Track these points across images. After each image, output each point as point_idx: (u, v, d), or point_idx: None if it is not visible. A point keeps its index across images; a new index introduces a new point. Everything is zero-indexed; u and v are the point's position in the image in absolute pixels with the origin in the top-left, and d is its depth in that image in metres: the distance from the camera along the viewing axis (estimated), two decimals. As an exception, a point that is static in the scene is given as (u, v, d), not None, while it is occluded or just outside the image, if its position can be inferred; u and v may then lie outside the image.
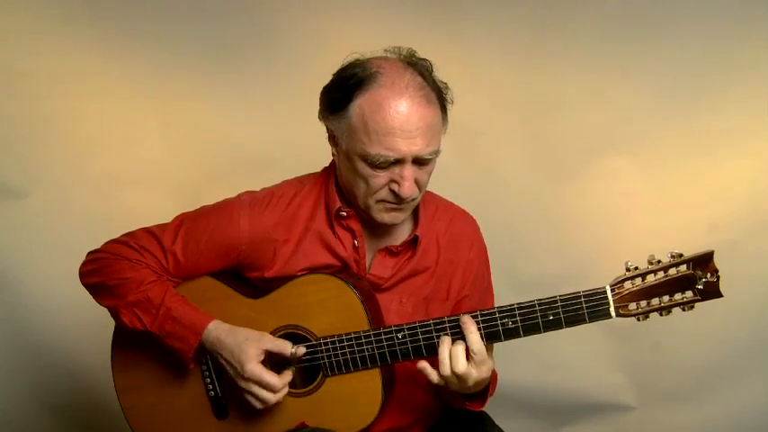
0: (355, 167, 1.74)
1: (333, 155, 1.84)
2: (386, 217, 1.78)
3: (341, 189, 1.86)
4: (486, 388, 1.79)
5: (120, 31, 2.79)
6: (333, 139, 1.80)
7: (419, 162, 1.72)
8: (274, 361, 1.81)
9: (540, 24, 2.79)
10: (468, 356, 1.66)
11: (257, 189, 1.92)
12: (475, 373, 1.66)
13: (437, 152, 1.74)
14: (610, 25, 2.77)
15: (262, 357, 1.77)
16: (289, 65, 2.81)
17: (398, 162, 1.70)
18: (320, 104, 1.81)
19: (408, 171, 1.71)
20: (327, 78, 1.83)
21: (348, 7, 2.81)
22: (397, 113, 1.67)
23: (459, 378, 1.66)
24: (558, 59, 2.81)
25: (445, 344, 1.67)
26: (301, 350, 1.78)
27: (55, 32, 2.75)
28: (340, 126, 1.74)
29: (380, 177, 1.72)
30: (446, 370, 1.66)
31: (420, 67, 1.75)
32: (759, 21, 2.70)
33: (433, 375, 1.69)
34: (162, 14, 2.79)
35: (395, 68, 1.72)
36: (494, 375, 1.82)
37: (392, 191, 1.73)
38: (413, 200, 1.77)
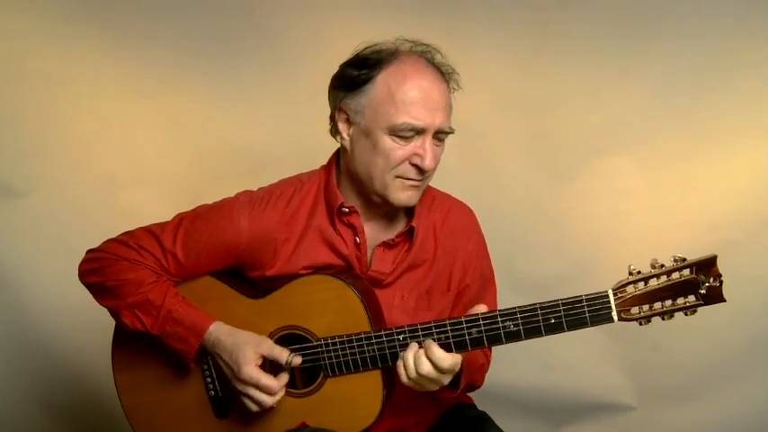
0: (375, 142, 1.75)
1: (342, 140, 1.83)
2: (402, 196, 1.79)
3: (342, 185, 1.87)
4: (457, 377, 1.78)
5: (120, 31, 2.79)
6: (346, 121, 1.81)
7: (436, 138, 1.77)
8: (272, 365, 1.81)
9: (540, 24, 2.80)
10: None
11: (256, 189, 1.92)
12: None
13: (452, 130, 1.79)
14: (610, 25, 2.78)
15: (260, 361, 1.77)
16: (289, 65, 2.81)
17: (420, 135, 1.74)
18: (333, 88, 1.83)
19: (430, 143, 1.75)
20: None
21: (348, 7, 2.81)
22: (421, 86, 1.73)
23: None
24: (559, 59, 2.81)
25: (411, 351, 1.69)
26: (297, 360, 1.78)
27: (55, 32, 2.76)
28: (360, 102, 1.76)
29: (401, 150, 1.74)
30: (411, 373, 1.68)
31: (432, 53, 1.82)
32: (759, 21, 2.71)
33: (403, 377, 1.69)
34: (162, 14, 2.79)
35: (410, 53, 1.80)
36: (478, 365, 1.88)
37: (413, 165, 1.76)
38: (428, 177, 1.81)
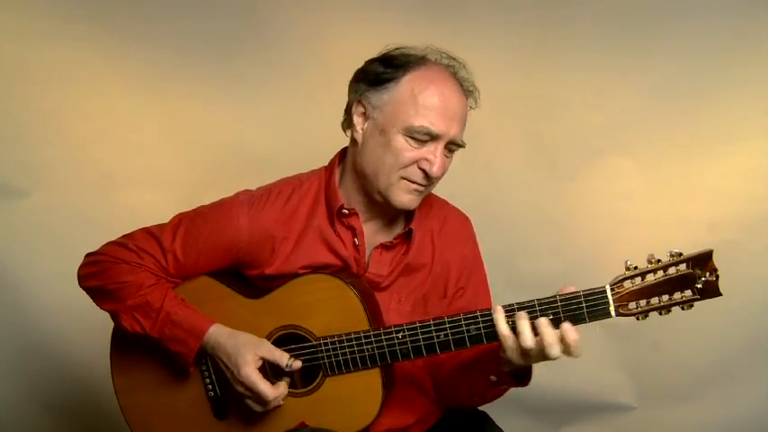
0: (388, 140, 1.77)
1: (355, 133, 1.84)
2: (404, 198, 1.80)
3: (344, 183, 1.87)
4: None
5: (120, 30, 2.80)
6: (363, 114, 1.82)
7: (447, 148, 1.79)
8: (272, 367, 1.81)
9: (540, 25, 2.80)
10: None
11: (255, 188, 1.92)
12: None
13: (463, 144, 1.82)
14: (610, 25, 2.78)
15: (259, 363, 1.77)
16: (289, 65, 2.81)
17: (433, 141, 1.76)
18: (356, 80, 1.85)
19: (441, 151, 1.77)
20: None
21: (349, 8, 2.81)
22: (443, 95, 1.76)
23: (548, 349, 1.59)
24: (559, 59, 2.81)
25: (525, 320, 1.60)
26: (297, 364, 1.78)
27: (55, 32, 2.77)
28: (380, 98, 1.79)
29: (412, 152, 1.76)
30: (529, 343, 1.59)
31: (457, 67, 1.84)
32: (759, 21, 2.71)
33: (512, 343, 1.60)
34: (162, 14, 2.80)
35: (437, 63, 1.82)
36: None
37: (421, 169, 1.77)
38: (432, 184, 1.82)
